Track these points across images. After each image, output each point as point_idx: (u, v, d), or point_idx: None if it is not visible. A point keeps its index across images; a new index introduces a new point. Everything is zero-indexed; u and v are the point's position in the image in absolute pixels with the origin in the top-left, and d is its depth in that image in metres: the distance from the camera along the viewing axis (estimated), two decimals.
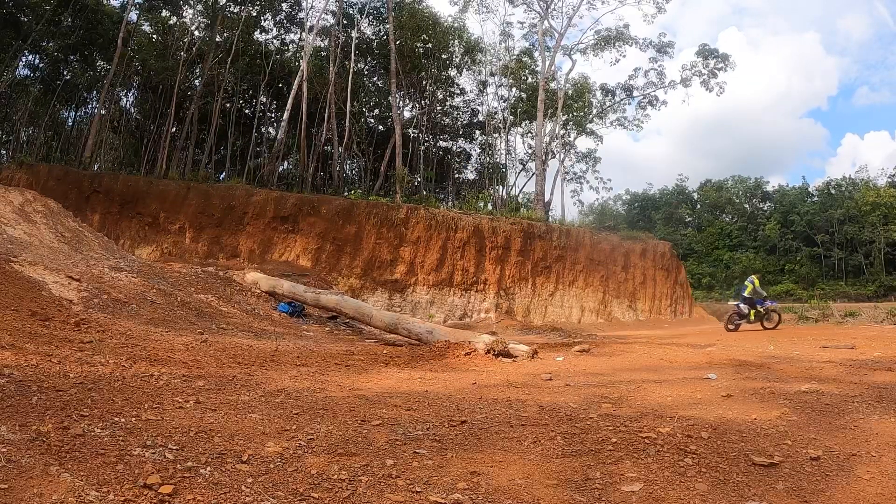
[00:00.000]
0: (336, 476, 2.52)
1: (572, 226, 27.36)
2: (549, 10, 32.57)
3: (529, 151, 37.09)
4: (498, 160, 37.26)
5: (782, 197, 65.57)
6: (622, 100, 37.97)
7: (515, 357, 7.25)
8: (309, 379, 5.09)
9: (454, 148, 39.88)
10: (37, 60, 29.51)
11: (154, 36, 31.38)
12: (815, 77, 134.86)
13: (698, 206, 70.61)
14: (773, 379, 5.65)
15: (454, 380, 5.57)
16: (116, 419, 2.98)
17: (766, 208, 67.58)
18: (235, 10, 29.87)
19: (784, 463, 2.95)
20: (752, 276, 14.44)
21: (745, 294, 13.93)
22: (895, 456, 3.12)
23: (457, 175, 39.62)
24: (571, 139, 39.27)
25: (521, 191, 39.03)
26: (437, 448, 3.03)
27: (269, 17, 32.64)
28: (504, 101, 36.15)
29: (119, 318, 7.69)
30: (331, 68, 28.22)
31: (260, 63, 30.35)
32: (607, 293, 24.40)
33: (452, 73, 36.68)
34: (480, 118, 38.08)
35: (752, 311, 13.70)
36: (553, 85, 33.79)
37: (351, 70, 29.71)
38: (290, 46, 34.13)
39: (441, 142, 38.81)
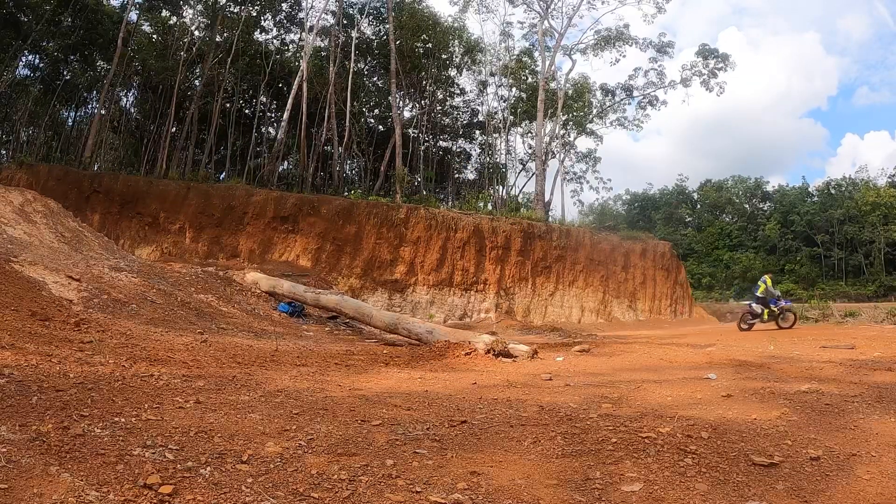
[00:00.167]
0: (336, 476, 2.52)
1: (572, 226, 27.37)
2: (549, 10, 32.62)
3: (529, 151, 37.13)
4: (498, 160, 37.30)
5: (782, 197, 65.57)
6: (622, 100, 38.02)
7: (515, 357, 7.25)
8: (309, 379, 5.09)
9: (454, 148, 39.90)
10: (37, 60, 29.53)
11: (154, 36, 31.37)
12: (815, 77, 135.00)
13: (698, 206, 70.60)
14: (773, 379, 5.65)
15: (454, 380, 5.57)
16: (116, 419, 2.98)
17: (766, 208, 67.57)
18: (235, 10, 29.87)
19: (784, 463, 2.95)
20: (765, 275, 14.44)
21: (758, 294, 13.95)
22: (895, 456, 3.12)
23: (457, 175, 39.63)
24: (571, 139, 39.32)
25: (521, 191, 39.09)
26: (437, 448, 3.03)
27: (269, 17, 32.65)
28: (504, 101, 36.18)
29: (119, 318, 7.69)
30: (331, 68, 28.22)
31: (260, 63, 30.35)
32: (607, 293, 24.40)
33: (452, 73, 36.71)
34: (480, 118, 38.08)
35: (766, 311, 13.70)
36: (553, 85, 33.80)
37: (351, 70, 29.71)
38: (290, 46, 34.17)
39: (441, 142, 38.83)
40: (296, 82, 27.03)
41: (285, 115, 26.54)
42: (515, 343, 7.83)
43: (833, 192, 61.83)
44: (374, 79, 36.11)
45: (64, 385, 3.51)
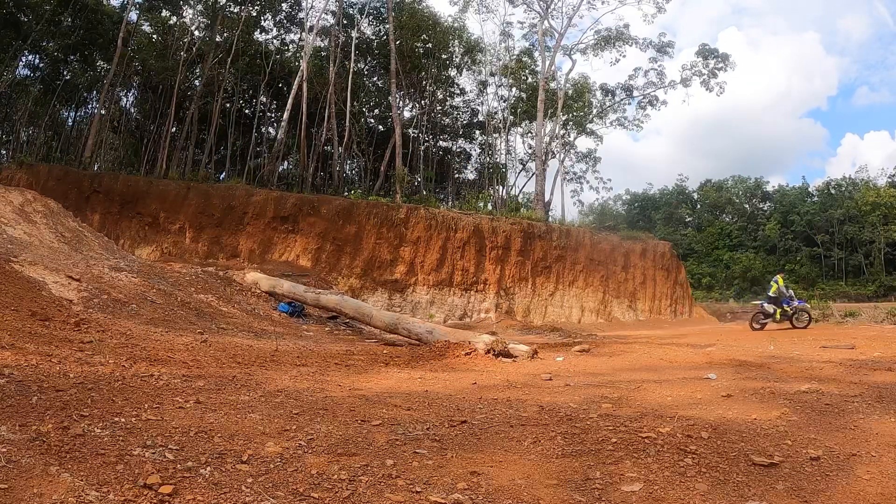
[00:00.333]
0: (336, 476, 2.52)
1: (572, 226, 27.36)
2: (549, 10, 32.61)
3: (529, 151, 37.12)
4: (498, 160, 37.28)
5: (782, 197, 65.52)
6: (622, 100, 38.01)
7: (515, 357, 7.25)
8: (309, 379, 5.09)
9: (454, 148, 39.89)
10: (37, 60, 29.51)
11: (154, 36, 31.36)
12: (814, 77, 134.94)
13: (698, 206, 70.55)
14: (773, 379, 5.65)
15: (454, 380, 5.57)
16: (116, 419, 2.98)
17: (766, 208, 67.52)
18: (235, 10, 29.86)
19: (784, 463, 2.95)
20: (777, 275, 14.46)
21: (770, 293, 13.98)
22: (895, 456, 3.12)
23: (457, 175, 39.62)
24: (571, 139, 39.31)
25: (521, 191, 39.07)
26: (437, 448, 3.03)
27: (269, 17, 32.65)
28: (504, 101, 36.17)
29: (119, 318, 7.69)
30: (331, 68, 28.22)
31: (260, 63, 30.35)
32: (607, 293, 24.40)
33: (452, 73, 36.69)
34: (480, 118, 38.08)
35: (778, 311, 13.70)
36: (553, 85, 33.79)
37: (351, 70, 29.70)
38: (290, 46, 34.15)
39: (441, 142, 38.82)
40: (296, 82, 27.03)
41: (285, 115, 26.54)
42: (515, 343, 7.83)
43: (833, 192, 61.81)
44: (374, 79, 36.13)
45: (64, 385, 3.51)
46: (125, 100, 33.51)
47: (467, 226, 22.40)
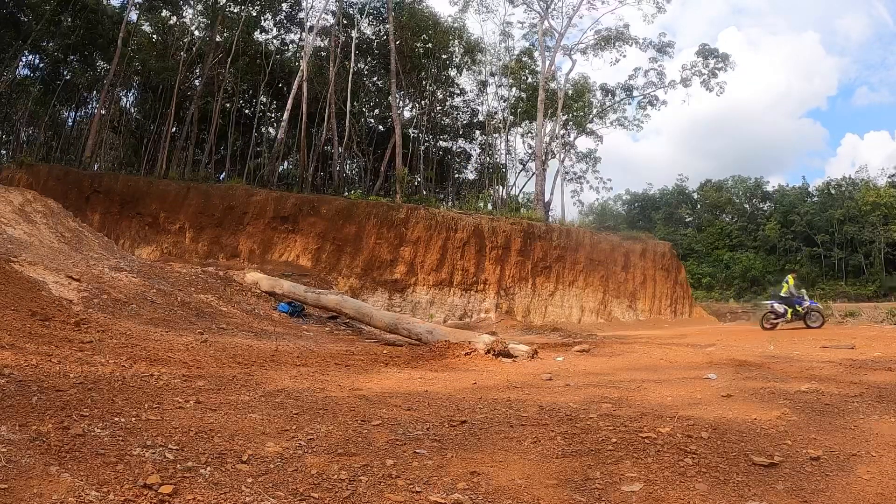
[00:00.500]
0: (336, 476, 2.52)
1: (572, 226, 27.36)
2: (549, 10, 32.62)
3: (529, 151, 37.11)
4: (498, 160, 37.30)
5: (782, 197, 65.48)
6: (622, 100, 38.00)
7: (515, 357, 7.26)
8: (309, 379, 5.09)
9: (454, 148, 39.89)
10: (37, 60, 29.53)
11: (154, 36, 31.39)
12: (814, 77, 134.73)
13: (698, 206, 70.50)
14: (773, 379, 5.66)
15: (454, 380, 5.57)
16: (116, 419, 2.98)
17: (766, 208, 67.44)
18: (235, 10, 29.86)
19: (784, 463, 2.95)
20: (788, 275, 14.46)
21: (781, 294, 14.00)
22: (895, 456, 3.12)
23: (457, 175, 39.63)
24: (571, 139, 39.31)
25: (521, 191, 39.09)
26: (437, 448, 3.03)
27: (269, 17, 32.64)
28: (504, 101, 36.17)
29: (119, 318, 7.69)
30: (331, 68, 28.22)
31: (260, 63, 30.35)
32: (607, 293, 24.40)
33: (452, 73, 36.70)
34: (480, 118, 38.09)
35: (790, 311, 13.72)
36: (553, 85, 33.79)
37: (351, 70, 29.71)
38: (290, 46, 34.18)
39: (441, 142, 38.80)
40: (296, 82, 27.03)
41: (285, 115, 26.55)
42: (515, 343, 7.83)
43: (833, 192, 61.76)
44: (374, 79, 36.12)
45: (64, 385, 3.51)
46: (125, 100, 33.59)
47: (467, 226, 22.40)
